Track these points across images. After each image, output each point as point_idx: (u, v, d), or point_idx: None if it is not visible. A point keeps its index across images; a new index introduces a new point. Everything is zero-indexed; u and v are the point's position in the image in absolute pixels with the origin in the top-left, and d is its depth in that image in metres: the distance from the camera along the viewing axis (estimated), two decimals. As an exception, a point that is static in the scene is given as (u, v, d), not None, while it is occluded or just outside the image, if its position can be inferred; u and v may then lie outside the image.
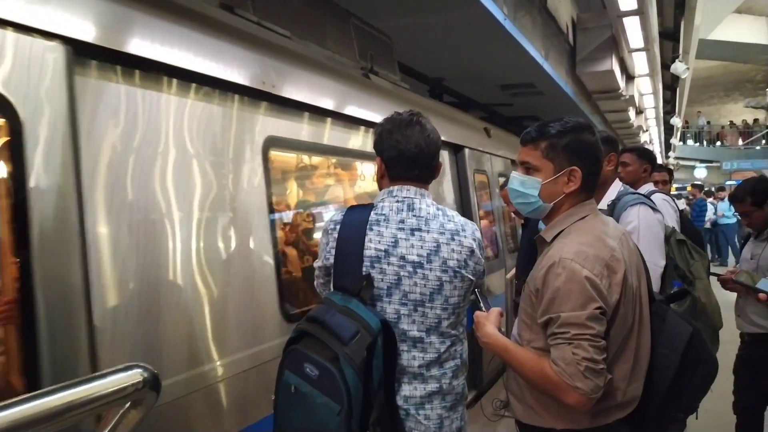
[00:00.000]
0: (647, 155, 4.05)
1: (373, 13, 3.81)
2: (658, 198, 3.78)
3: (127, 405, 1.09)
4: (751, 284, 1.66)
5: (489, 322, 1.80)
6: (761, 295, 1.61)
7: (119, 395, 1.06)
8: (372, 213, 1.87)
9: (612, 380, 1.59)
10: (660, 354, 1.73)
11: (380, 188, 1.97)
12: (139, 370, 1.09)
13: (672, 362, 1.70)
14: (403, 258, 1.81)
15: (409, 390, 1.78)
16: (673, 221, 3.71)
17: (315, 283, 2.00)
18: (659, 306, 1.78)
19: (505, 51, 5.27)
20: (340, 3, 3.59)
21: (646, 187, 3.94)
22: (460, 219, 1.91)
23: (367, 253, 1.82)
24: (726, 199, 15.09)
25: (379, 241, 1.82)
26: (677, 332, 1.71)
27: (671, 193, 10.13)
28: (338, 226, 1.88)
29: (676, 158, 33.13)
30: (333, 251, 1.86)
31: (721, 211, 14.19)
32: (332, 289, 1.85)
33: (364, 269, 1.81)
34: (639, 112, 11.58)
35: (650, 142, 16.88)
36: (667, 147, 25.14)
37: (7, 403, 0.95)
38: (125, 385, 1.06)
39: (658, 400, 1.71)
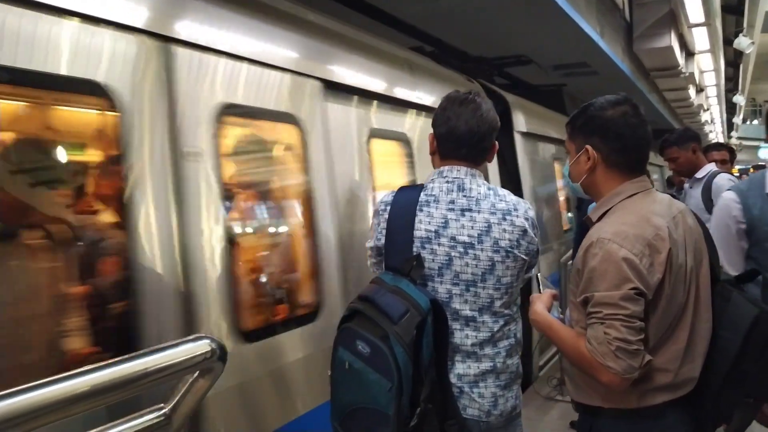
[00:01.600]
0: (687, 135, 3.92)
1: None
2: (724, 179, 3.65)
3: (196, 374, 1.16)
4: None
5: (540, 301, 1.83)
6: None
7: (190, 364, 1.13)
8: (422, 193, 1.89)
9: (661, 361, 1.60)
10: (722, 336, 1.69)
11: (433, 165, 1.99)
12: (208, 341, 1.16)
13: (733, 344, 1.66)
14: (453, 239, 1.82)
15: (462, 368, 1.81)
16: None
17: (368, 263, 2.04)
18: (724, 287, 1.72)
19: (558, 29, 5.15)
20: None
21: (707, 168, 3.81)
22: (512, 198, 1.90)
23: (417, 233, 1.84)
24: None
25: (429, 222, 1.84)
26: (741, 313, 1.66)
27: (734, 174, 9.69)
28: (389, 207, 1.91)
29: (739, 138, 31.59)
30: (384, 232, 1.90)
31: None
32: (384, 269, 1.89)
33: (414, 249, 1.83)
34: (699, 90, 11.10)
35: (711, 121, 16.18)
36: (729, 126, 24.00)
37: (87, 369, 1.03)
38: (195, 354, 1.13)
39: (718, 383, 1.68)
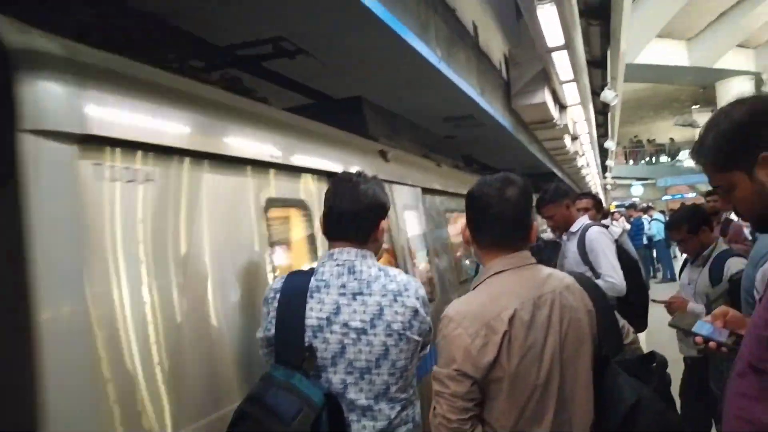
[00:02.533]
0: (559, 192, 4.18)
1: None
2: (594, 232, 3.88)
3: None
4: (686, 328, 1.68)
5: None
6: (697, 339, 1.63)
7: None
8: (312, 279, 1.83)
9: None
10: (604, 419, 1.70)
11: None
12: None
13: (612, 430, 1.67)
14: (346, 325, 1.77)
15: None
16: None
17: (260, 353, 1.93)
18: (612, 368, 1.72)
19: (443, 88, 5.38)
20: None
21: (580, 222, 4.05)
22: (402, 278, 1.89)
23: (308, 322, 1.77)
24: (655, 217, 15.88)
25: (321, 309, 1.78)
26: (621, 398, 1.65)
27: (608, 216, 10.37)
28: (278, 295, 1.83)
29: (614, 178, 34.45)
30: (273, 321, 1.81)
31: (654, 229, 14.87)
32: (274, 361, 1.79)
33: (306, 339, 1.76)
34: (574, 138, 12.00)
35: (587, 165, 17.50)
36: (604, 169, 26.11)
37: None
38: None
39: None
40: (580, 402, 1.70)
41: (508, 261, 1.77)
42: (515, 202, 1.76)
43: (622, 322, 1.91)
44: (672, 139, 36.92)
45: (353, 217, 1.88)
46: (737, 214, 1.50)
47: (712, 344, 1.60)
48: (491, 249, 1.80)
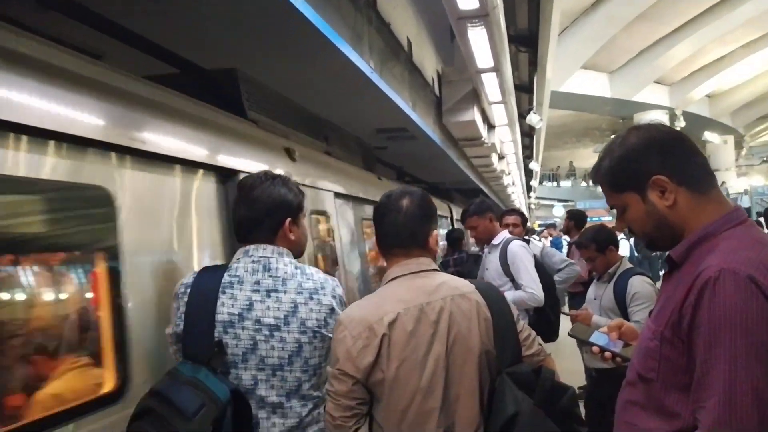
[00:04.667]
0: (484, 206, 4.37)
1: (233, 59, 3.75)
2: (515, 246, 4.05)
3: None
4: (584, 338, 1.78)
5: None
6: (594, 348, 1.73)
7: None
8: (225, 275, 1.82)
9: None
10: (486, 428, 1.75)
11: None
12: None
13: None
14: (258, 321, 1.76)
15: None
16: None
17: (169, 350, 1.89)
18: (503, 378, 1.76)
19: (375, 99, 5.45)
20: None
21: (502, 236, 4.22)
22: (319, 276, 1.90)
23: (219, 317, 1.75)
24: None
25: (233, 305, 1.77)
26: (502, 408, 1.70)
27: (530, 234, 10.80)
28: (189, 290, 1.80)
29: (537, 198, 35.81)
30: (183, 317, 1.78)
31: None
32: (182, 357, 1.76)
33: (216, 335, 1.74)
34: (501, 157, 12.41)
35: (513, 184, 18.13)
36: (528, 188, 27.13)
37: None
38: None
39: None
40: (465, 408, 1.75)
41: (403, 268, 1.86)
42: (406, 210, 1.87)
43: (528, 332, 1.96)
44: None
45: (254, 222, 1.89)
46: (632, 233, 1.61)
47: (607, 354, 1.70)
48: (390, 256, 1.90)
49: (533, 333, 1.99)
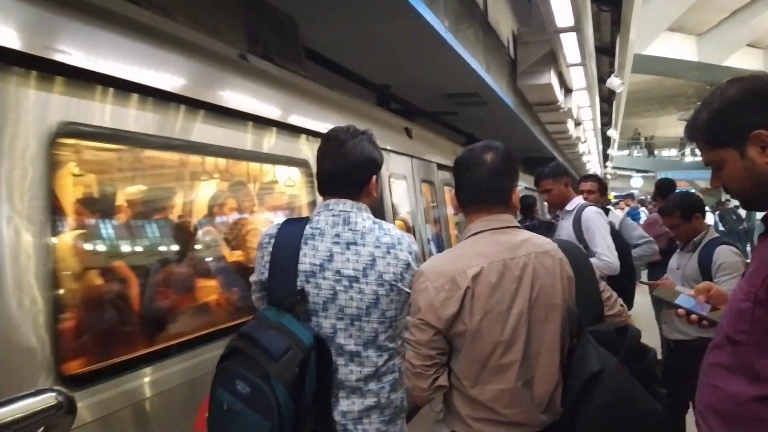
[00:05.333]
0: (560, 170, 4.21)
1: (309, 20, 3.78)
2: (590, 212, 3.92)
3: (41, 430, 1.04)
4: (670, 300, 1.72)
5: None
6: (680, 311, 1.67)
7: (30, 420, 1.01)
8: (307, 227, 1.87)
9: (486, 398, 1.71)
10: (567, 387, 1.74)
11: None
12: (53, 394, 1.05)
13: (570, 399, 1.70)
14: (338, 272, 1.81)
15: (346, 405, 1.78)
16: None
17: (252, 297, 1.97)
18: (585, 336, 1.73)
19: (448, 61, 5.36)
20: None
21: (576, 201, 4.08)
22: (396, 232, 1.92)
23: (301, 267, 1.81)
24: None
25: (314, 255, 1.82)
26: (582, 367, 1.67)
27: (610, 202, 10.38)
28: (273, 240, 1.87)
29: (614, 168, 34.42)
30: (267, 266, 1.85)
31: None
32: (267, 304, 1.84)
33: (298, 284, 1.80)
34: (577, 123, 12.01)
35: (588, 152, 17.51)
36: (605, 157, 26.12)
37: None
38: (37, 409, 1.02)
39: None
40: (545, 364, 1.75)
41: (485, 223, 1.84)
42: (490, 165, 1.84)
43: (610, 293, 1.94)
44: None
45: (341, 176, 1.91)
46: (726, 191, 1.52)
47: (693, 317, 1.65)
48: (471, 211, 1.88)
49: (615, 294, 1.95)
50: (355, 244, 1.84)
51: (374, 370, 1.82)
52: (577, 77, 8.38)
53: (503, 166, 1.86)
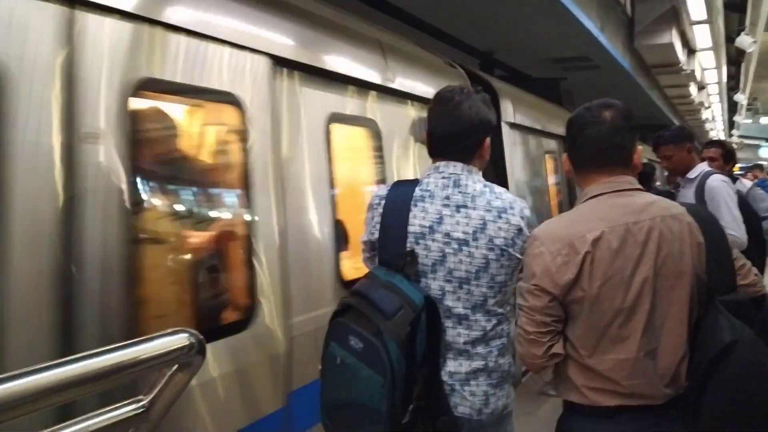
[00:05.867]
0: (683, 134, 3.89)
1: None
2: (715, 180, 3.60)
3: (175, 368, 1.13)
4: None
5: None
6: None
7: (167, 358, 1.09)
8: (417, 188, 1.86)
9: (603, 368, 1.63)
10: (694, 357, 1.63)
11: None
12: (186, 335, 1.13)
13: (697, 373, 1.59)
14: (447, 235, 1.79)
15: (454, 366, 1.78)
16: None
17: (362, 257, 2.01)
18: (715, 306, 1.62)
19: (557, 22, 5.11)
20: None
21: (699, 168, 3.77)
22: (508, 196, 1.87)
23: (411, 229, 1.81)
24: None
25: (424, 218, 1.81)
26: (713, 338, 1.56)
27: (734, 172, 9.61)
28: (383, 201, 1.88)
29: (740, 136, 31.53)
30: (377, 226, 1.87)
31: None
32: (377, 263, 1.86)
33: (408, 245, 1.80)
34: (700, 87, 11.08)
35: (712, 119, 16.15)
36: (731, 125, 23.98)
37: (62, 362, 1.00)
38: (172, 348, 1.10)
39: (689, 404, 1.61)
40: (670, 334, 1.63)
41: (604, 185, 1.72)
42: (611, 122, 1.71)
43: (743, 261, 1.77)
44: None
45: (454, 138, 1.86)
46: None
47: None
48: (588, 173, 1.76)
49: (749, 262, 1.78)
50: (465, 207, 1.81)
51: (482, 334, 1.80)
52: (701, 36, 7.69)
53: (624, 123, 1.73)
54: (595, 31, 5.44)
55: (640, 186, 1.76)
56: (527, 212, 1.87)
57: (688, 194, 3.73)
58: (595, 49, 5.96)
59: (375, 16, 4.27)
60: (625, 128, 1.73)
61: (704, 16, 6.66)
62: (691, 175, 3.77)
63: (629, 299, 1.61)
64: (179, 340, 1.11)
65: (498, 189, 1.88)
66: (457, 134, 1.85)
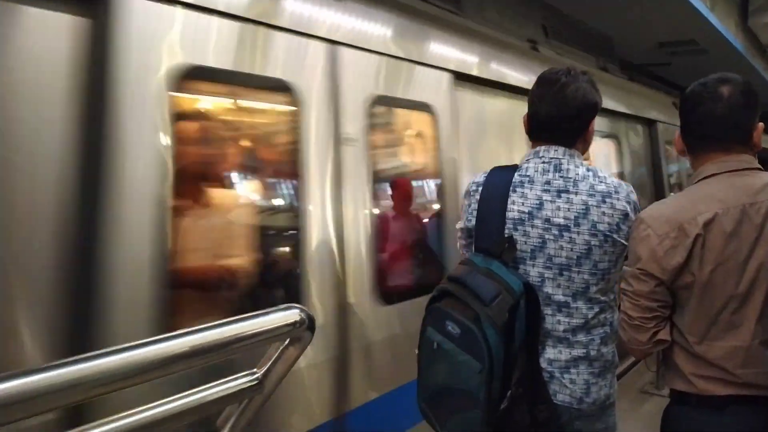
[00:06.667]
0: None
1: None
2: None
3: (287, 342, 1.19)
4: None
5: None
6: None
7: (280, 332, 1.16)
8: (516, 174, 1.83)
9: (715, 355, 1.56)
10: None
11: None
12: (297, 311, 1.18)
13: None
14: (548, 220, 1.75)
15: (553, 353, 1.75)
16: None
17: (458, 244, 2.01)
18: None
19: (662, 3, 4.83)
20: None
21: None
22: (613, 181, 1.80)
23: (509, 215, 1.79)
24: None
25: (523, 203, 1.78)
26: None
27: None
28: (480, 188, 1.87)
29: None
30: (474, 213, 1.86)
31: None
32: (474, 251, 1.85)
33: (506, 231, 1.78)
34: (826, 67, 10.04)
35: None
36: None
37: (185, 332, 1.08)
38: (285, 322, 1.16)
39: None
40: None
41: (720, 165, 1.63)
42: (729, 97, 1.62)
43: None
44: None
45: (560, 121, 1.81)
46: None
47: None
48: (702, 152, 1.68)
49: None
50: (566, 192, 1.76)
51: (583, 322, 1.75)
52: (828, 10, 6.97)
53: (744, 99, 1.63)
54: (705, 12, 5.09)
55: (759, 166, 1.65)
56: (634, 197, 1.79)
57: None
58: (705, 30, 5.57)
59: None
60: (744, 105, 1.64)
61: (832, -12, 6.03)
62: None
63: (743, 285, 1.53)
64: (291, 315, 1.17)
65: (602, 173, 1.82)
66: (562, 117, 1.80)
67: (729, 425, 1.56)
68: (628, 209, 1.75)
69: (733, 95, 1.63)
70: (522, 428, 1.63)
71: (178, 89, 1.84)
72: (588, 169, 1.81)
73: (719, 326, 1.55)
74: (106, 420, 1.03)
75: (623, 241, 1.74)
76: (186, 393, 1.18)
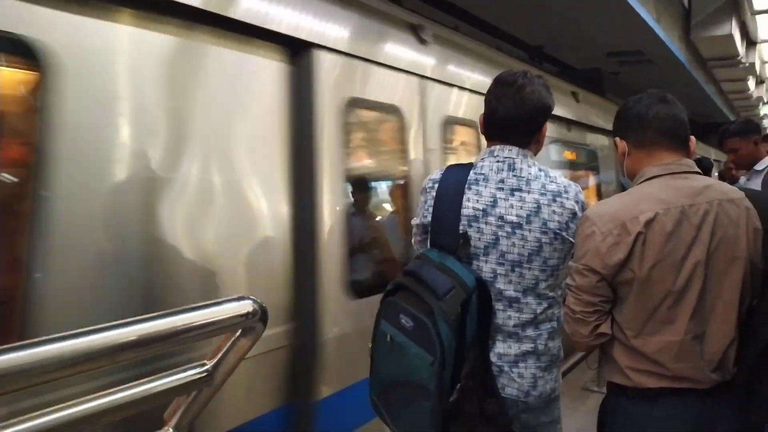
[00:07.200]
0: (749, 126, 3.77)
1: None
2: None
3: (238, 333, 1.17)
4: None
5: None
6: None
7: (231, 322, 1.14)
8: (471, 172, 1.86)
9: (650, 350, 1.62)
10: (746, 343, 1.61)
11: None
12: (250, 302, 1.17)
13: (749, 361, 1.58)
14: (501, 218, 1.79)
15: (503, 348, 1.78)
16: None
17: (413, 240, 2.02)
18: None
19: (612, 14, 4.99)
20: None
21: (766, 161, 3.64)
22: (563, 181, 1.85)
23: (464, 212, 1.81)
24: None
25: (477, 201, 1.81)
26: (766, 328, 1.55)
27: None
28: (436, 185, 1.89)
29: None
30: (430, 209, 1.88)
31: None
32: (429, 246, 1.87)
33: (461, 228, 1.81)
34: (760, 81, 10.62)
35: (771, 116, 15.47)
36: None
37: (135, 320, 1.05)
38: (237, 313, 1.14)
39: (741, 389, 1.60)
40: (720, 319, 1.60)
41: (662, 167, 1.69)
42: (671, 102, 1.73)
43: None
44: None
45: (517, 121, 1.85)
46: None
47: None
48: (647, 152, 1.74)
49: None
50: (519, 190, 1.80)
51: (532, 317, 1.79)
52: (764, 26, 7.37)
53: (678, 106, 1.74)
54: (652, 23, 5.29)
55: (698, 170, 1.72)
56: (581, 196, 1.85)
57: (754, 187, 3.61)
58: (651, 42, 5.79)
59: (424, 8, 4.27)
60: (682, 113, 1.74)
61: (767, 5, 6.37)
62: (759, 167, 3.65)
63: (680, 282, 1.59)
64: (244, 306, 1.15)
65: (552, 173, 1.87)
66: (519, 117, 1.83)
67: (660, 417, 1.62)
68: (576, 208, 1.81)
69: (674, 103, 1.74)
70: (471, 421, 1.66)
71: (347, 112, 2.65)
72: (540, 169, 1.85)
73: (655, 321, 1.60)
74: (47, 410, 0.99)
75: (571, 239, 1.79)
76: (132, 384, 1.15)
